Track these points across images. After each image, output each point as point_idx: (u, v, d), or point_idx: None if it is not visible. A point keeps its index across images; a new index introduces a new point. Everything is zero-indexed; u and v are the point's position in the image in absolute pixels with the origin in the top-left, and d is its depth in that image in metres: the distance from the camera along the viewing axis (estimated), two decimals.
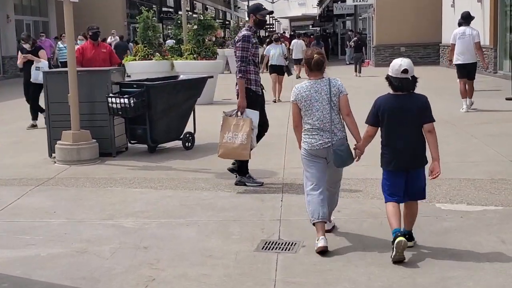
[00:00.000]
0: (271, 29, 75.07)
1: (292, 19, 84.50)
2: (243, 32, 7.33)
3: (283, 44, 16.99)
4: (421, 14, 29.27)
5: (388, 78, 4.92)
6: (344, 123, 5.32)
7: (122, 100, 8.76)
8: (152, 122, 9.07)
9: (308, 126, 5.27)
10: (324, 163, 5.27)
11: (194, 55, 16.58)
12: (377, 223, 5.75)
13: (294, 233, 5.66)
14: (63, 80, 8.83)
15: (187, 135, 9.61)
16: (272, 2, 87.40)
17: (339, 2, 42.26)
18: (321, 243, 5.08)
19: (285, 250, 5.27)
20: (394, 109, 4.86)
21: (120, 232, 5.85)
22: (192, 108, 9.78)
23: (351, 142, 5.35)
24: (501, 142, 9.21)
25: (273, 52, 16.44)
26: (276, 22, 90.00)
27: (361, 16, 40.36)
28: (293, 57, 23.63)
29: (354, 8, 38.85)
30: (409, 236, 5.02)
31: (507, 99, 14.23)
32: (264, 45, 27.01)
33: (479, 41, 13.06)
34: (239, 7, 74.30)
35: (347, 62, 33.86)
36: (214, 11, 60.44)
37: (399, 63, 4.84)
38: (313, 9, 79.98)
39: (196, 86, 9.69)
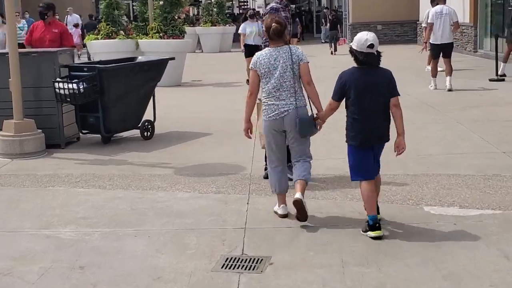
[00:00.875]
0: (245, 6, 73.73)
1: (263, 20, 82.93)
2: (272, 4, 6.49)
3: (259, 21, 14.98)
4: None
5: (353, 52, 4.81)
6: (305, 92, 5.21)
7: (70, 86, 7.80)
8: (106, 110, 8.12)
9: (266, 94, 5.16)
10: (282, 136, 5.21)
11: (161, 34, 15.57)
12: (357, 233, 4.91)
13: (260, 245, 4.80)
14: (3, 63, 7.83)
15: (146, 124, 8.68)
16: None
17: None
18: (280, 211, 5.32)
19: (249, 269, 4.40)
20: (360, 83, 4.77)
21: (55, 245, 4.94)
22: (152, 93, 8.84)
23: None
24: (488, 129, 8.42)
25: (249, 30, 14.93)
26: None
27: None
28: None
29: None
30: (378, 223, 4.85)
31: (490, 80, 13.50)
32: (238, 23, 26.06)
33: (457, 20, 12.66)
34: None
35: (323, 41, 32.98)
36: None
37: (365, 37, 4.74)
38: None
39: (156, 68, 8.75)
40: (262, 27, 13.71)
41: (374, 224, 4.75)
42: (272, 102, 5.14)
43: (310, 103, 5.30)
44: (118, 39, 15.54)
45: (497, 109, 9.96)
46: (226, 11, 38.38)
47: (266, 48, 5.28)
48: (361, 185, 4.89)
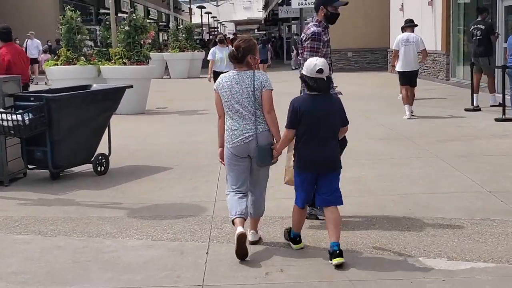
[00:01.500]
0: (215, 33, 73.45)
1: (237, 23, 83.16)
2: (312, 28, 5.77)
3: (229, 46, 13.90)
4: (369, 18, 28.21)
5: (303, 77, 4.80)
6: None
7: (14, 117, 7.03)
8: (54, 143, 7.36)
9: (228, 119, 5.02)
10: (247, 164, 5.03)
11: (124, 60, 14.87)
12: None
13: None
14: None
15: (100, 158, 7.92)
16: (217, 6, 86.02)
17: (284, 6, 40.96)
18: (238, 230, 4.80)
19: None
20: (313, 110, 4.74)
21: None
22: (107, 124, 8.10)
23: None
24: (472, 166, 7.82)
25: (219, 56, 13.92)
26: (221, 26, 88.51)
27: (306, 20, 39.19)
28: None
29: (299, 11, 37.59)
30: (339, 250, 4.67)
31: (466, 110, 13.02)
32: (208, 49, 25.46)
33: (424, 48, 12.73)
34: (182, 10, 72.23)
35: (293, 67, 32.59)
36: (156, 14, 58.44)
37: (314, 63, 4.71)
38: (259, 13, 79.00)
39: (111, 97, 8.02)
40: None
41: (295, 237, 5.06)
42: (235, 128, 4.97)
43: None
44: (79, 65, 14.80)
45: (480, 142, 9.39)
46: (196, 37, 37.94)
47: (230, 71, 5.10)
48: (294, 209, 4.98)
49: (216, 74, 13.04)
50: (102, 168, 7.92)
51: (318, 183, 4.82)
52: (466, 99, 14.82)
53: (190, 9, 41.57)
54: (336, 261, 4.57)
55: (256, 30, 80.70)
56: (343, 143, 5.63)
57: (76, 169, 8.08)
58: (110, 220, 6.01)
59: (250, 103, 4.91)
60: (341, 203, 4.87)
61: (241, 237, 4.73)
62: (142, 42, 15.55)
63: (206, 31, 70.32)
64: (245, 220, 4.95)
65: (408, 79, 12.44)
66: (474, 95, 13.26)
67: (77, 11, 15.23)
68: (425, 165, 7.96)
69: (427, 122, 11.57)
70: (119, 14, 21.74)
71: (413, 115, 12.21)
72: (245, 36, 5.21)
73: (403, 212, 5.97)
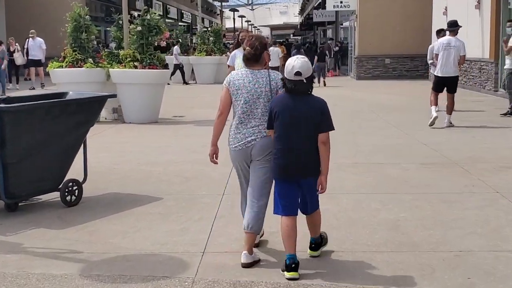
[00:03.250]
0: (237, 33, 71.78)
1: (273, 28, 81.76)
2: None
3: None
4: (409, 23, 26.32)
5: (283, 79, 4.53)
6: None
7: None
8: (8, 167, 5.80)
9: (235, 120, 4.73)
10: (248, 167, 4.76)
11: (135, 63, 13.36)
12: None
13: None
14: None
15: (70, 185, 6.34)
16: (252, 10, 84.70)
17: (320, 9, 39.27)
18: (242, 259, 4.60)
19: None
20: (287, 111, 4.44)
21: None
22: (81, 141, 6.53)
23: None
24: None
25: (240, 62, 11.66)
26: (257, 31, 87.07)
27: (342, 24, 37.49)
28: (269, 65, 20.51)
29: (335, 15, 35.89)
30: (315, 244, 4.79)
31: None
32: (228, 53, 23.84)
33: (464, 54, 11.76)
34: (216, 13, 70.74)
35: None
36: (190, 16, 57.12)
37: (292, 64, 4.42)
38: (295, 18, 77.59)
39: (87, 109, 6.44)
40: None
41: (290, 264, 4.40)
42: (238, 130, 4.69)
43: None
44: (85, 68, 13.36)
45: None
46: (230, 41, 36.51)
47: (243, 69, 4.80)
48: (281, 220, 4.53)
49: None
50: (73, 197, 6.35)
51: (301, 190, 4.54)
52: None
53: (222, 11, 40.05)
54: (312, 253, 4.77)
55: (291, 35, 79.18)
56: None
57: (45, 196, 6.52)
58: (55, 281, 4.40)
59: (262, 105, 4.62)
60: (318, 207, 4.68)
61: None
62: (156, 44, 14.09)
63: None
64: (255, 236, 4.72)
65: (442, 85, 11.71)
66: None
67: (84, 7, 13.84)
68: (483, 203, 6.19)
69: (478, 143, 9.78)
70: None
71: (451, 124, 11.45)
72: (254, 34, 4.98)
73: (460, 284, 4.25)
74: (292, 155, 4.42)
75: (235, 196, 6.46)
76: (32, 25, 25.05)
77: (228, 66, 10.38)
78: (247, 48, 4.76)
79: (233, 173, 7.67)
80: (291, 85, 4.43)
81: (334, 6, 29.10)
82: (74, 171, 6.62)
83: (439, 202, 6.25)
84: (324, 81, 23.53)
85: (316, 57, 24.62)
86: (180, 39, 29.71)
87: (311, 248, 4.78)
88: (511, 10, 17.75)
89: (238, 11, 56.33)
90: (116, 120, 13.58)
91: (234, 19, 54.43)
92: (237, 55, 10.39)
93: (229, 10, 52.66)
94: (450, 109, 11.67)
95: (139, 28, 13.48)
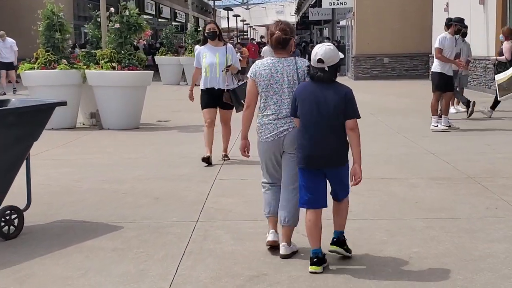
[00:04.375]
0: (244, 37, 70.73)
1: (268, 27, 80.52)
2: None
3: (228, 45, 8.28)
4: (408, 20, 25.25)
5: (309, 66, 4.44)
6: None
7: None
8: None
9: (262, 112, 4.62)
10: (279, 158, 4.62)
11: (113, 64, 12.23)
12: None
13: None
14: None
15: (7, 213, 5.18)
16: (247, 9, 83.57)
17: (316, 7, 38.16)
18: (269, 237, 4.68)
19: None
20: (310, 98, 4.32)
21: None
22: (22, 159, 5.37)
23: None
24: None
25: (209, 62, 8.05)
26: (252, 30, 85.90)
27: (339, 23, 36.43)
28: None
29: (331, 13, 34.76)
30: (337, 240, 4.48)
31: None
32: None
33: (436, 47, 10.88)
34: (210, 12, 69.46)
35: None
36: (184, 16, 55.91)
37: (316, 51, 4.30)
38: (291, 17, 76.74)
39: (31, 119, 5.29)
40: (236, 54, 8.57)
41: (313, 257, 4.28)
42: (269, 121, 4.58)
43: None
44: (59, 69, 12.22)
45: None
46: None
47: (268, 57, 4.66)
48: (306, 214, 4.38)
49: (203, 93, 8.19)
50: (11, 228, 5.19)
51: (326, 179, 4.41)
52: None
53: (214, 10, 38.88)
54: (331, 247, 4.48)
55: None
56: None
57: None
58: None
59: (290, 94, 4.52)
60: (347, 194, 4.49)
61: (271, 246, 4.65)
62: (135, 43, 12.96)
63: (235, 35, 67.66)
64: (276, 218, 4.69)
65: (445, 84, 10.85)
66: None
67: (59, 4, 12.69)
68: (505, 227, 5.06)
69: (493, 152, 8.66)
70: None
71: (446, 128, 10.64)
72: (281, 20, 4.76)
73: None
74: (316, 144, 4.30)
75: (210, 224, 5.40)
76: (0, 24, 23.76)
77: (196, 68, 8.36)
78: (277, 32, 4.56)
79: (213, 192, 6.63)
80: (314, 72, 4.33)
81: (330, 4, 28.09)
82: (17, 195, 5.48)
83: (458, 231, 5.11)
84: None
85: (307, 56, 23.59)
86: (163, 40, 28.55)
87: (332, 243, 4.47)
88: None
89: (232, 10, 55.09)
90: (94, 126, 12.47)
91: (228, 18, 53.25)
92: (203, 53, 8.18)
93: (223, 9, 51.44)
94: (446, 110, 10.93)
95: (117, 25, 12.36)
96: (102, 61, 12.34)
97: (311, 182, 4.33)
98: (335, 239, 4.47)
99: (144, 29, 12.90)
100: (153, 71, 13.26)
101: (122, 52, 12.32)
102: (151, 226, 5.45)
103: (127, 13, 12.48)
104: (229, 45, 8.40)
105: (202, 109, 8.25)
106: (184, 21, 55.28)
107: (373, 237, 5.04)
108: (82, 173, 7.66)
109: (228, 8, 51.60)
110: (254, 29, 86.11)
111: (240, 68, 8.71)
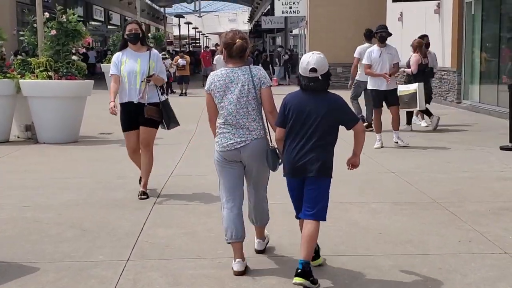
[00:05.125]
0: (196, 44, 69.83)
1: (221, 36, 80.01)
2: None
3: (153, 51, 6.79)
4: (362, 29, 24.42)
5: (298, 76, 4.34)
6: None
7: None
8: None
9: (220, 121, 4.53)
10: (239, 168, 4.53)
11: (50, 73, 11.30)
12: None
13: None
14: None
15: None
16: (200, 17, 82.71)
17: (269, 16, 37.63)
18: (235, 267, 4.41)
19: None
20: (301, 107, 4.23)
21: None
22: None
23: None
24: None
25: (128, 69, 6.60)
26: (205, 38, 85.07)
27: (292, 32, 35.99)
28: None
29: (284, 21, 34.29)
30: (303, 271, 4.05)
31: (503, 148, 9.57)
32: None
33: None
34: (161, 19, 68.33)
35: (276, 84, 29.25)
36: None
37: (307, 60, 4.22)
38: (244, 25, 76.43)
39: None
40: (162, 62, 7.47)
41: (297, 269, 4.10)
42: (228, 130, 4.47)
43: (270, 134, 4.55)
44: None
45: None
46: (174, 48, 34.58)
47: (222, 68, 4.54)
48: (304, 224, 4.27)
49: (122, 109, 6.79)
50: None
51: (304, 191, 4.25)
52: (494, 129, 11.66)
53: (165, 17, 37.94)
54: (295, 279, 4.02)
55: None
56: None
57: None
58: None
59: (248, 103, 4.43)
60: (323, 219, 4.23)
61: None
62: (74, 50, 12.02)
63: (187, 42, 66.67)
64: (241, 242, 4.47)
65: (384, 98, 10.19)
66: None
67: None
68: (491, 273, 4.35)
69: (456, 171, 8.05)
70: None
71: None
72: (235, 29, 4.66)
73: None
74: (304, 153, 4.20)
75: (143, 264, 4.60)
76: None
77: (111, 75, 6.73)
78: (238, 40, 4.44)
79: (149, 222, 5.83)
80: (306, 82, 4.23)
81: (283, 12, 27.48)
82: None
83: (430, 272, 4.42)
84: None
85: (260, 65, 23.00)
86: (111, 47, 27.55)
87: (298, 274, 4.06)
88: (474, 15, 16.31)
89: (184, 17, 54.16)
90: (29, 140, 11.52)
91: (179, 25, 52.30)
92: (122, 59, 6.64)
93: (174, 16, 50.46)
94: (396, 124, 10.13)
95: (53, 32, 11.42)
96: (38, 70, 11.41)
97: (297, 190, 4.30)
98: (299, 270, 4.07)
99: (83, 36, 12.00)
100: (93, 81, 12.35)
101: (60, 60, 11.41)
102: (72, 267, 4.60)
103: (64, 18, 11.58)
104: (154, 51, 6.81)
105: (123, 130, 6.89)
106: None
107: (335, 279, 4.31)
108: (3, 198, 6.75)
109: (179, 16, 50.61)
110: (206, 36, 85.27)
111: (166, 80, 7.32)
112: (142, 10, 55.32)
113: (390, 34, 10.48)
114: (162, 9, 54.19)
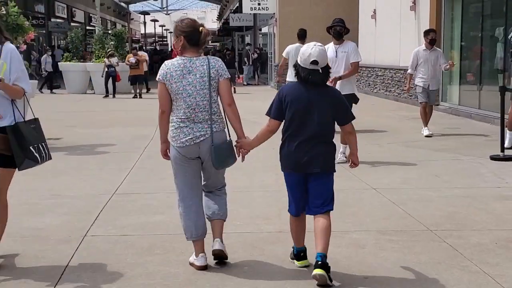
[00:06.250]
0: (164, 42, 68.33)
1: (182, 23, 79.00)
2: None
3: (7, 45, 4.34)
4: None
5: (296, 66, 4.19)
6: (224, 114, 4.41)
7: None
8: None
9: (176, 115, 4.28)
10: (196, 165, 4.36)
11: None
12: None
13: None
14: None
15: None
16: (168, 14, 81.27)
17: (237, 13, 36.48)
18: (197, 262, 4.33)
19: None
20: (302, 100, 4.14)
21: None
22: None
23: None
24: None
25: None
26: (172, 36, 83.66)
27: (261, 30, 34.92)
28: None
29: (253, 19, 33.16)
30: (322, 264, 3.98)
31: (494, 158, 8.56)
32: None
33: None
34: (130, 17, 66.52)
35: (244, 83, 28.21)
36: (100, 21, 53.06)
37: (309, 52, 4.10)
38: (213, 24, 75.39)
39: None
40: (20, 64, 5.07)
41: (298, 253, 4.38)
42: (186, 125, 4.25)
43: (228, 127, 4.42)
44: None
45: None
46: (136, 45, 33.25)
47: (178, 57, 4.29)
48: (290, 218, 4.38)
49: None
50: None
51: (308, 187, 4.18)
52: (478, 135, 10.77)
53: (128, 13, 36.49)
54: (316, 271, 3.94)
55: (209, 41, 76.88)
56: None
57: None
58: None
59: (203, 96, 4.24)
60: (332, 208, 4.23)
61: (218, 255, 4.37)
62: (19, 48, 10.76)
63: (155, 40, 65.17)
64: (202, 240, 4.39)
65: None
66: (508, 133, 8.92)
67: None
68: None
69: (447, 187, 6.99)
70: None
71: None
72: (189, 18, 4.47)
73: None
74: (309, 148, 4.12)
75: None
76: None
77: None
78: (202, 28, 4.30)
79: (75, 259, 4.62)
80: (305, 74, 4.11)
81: (251, 9, 26.33)
82: None
83: None
84: (234, 88, 20.68)
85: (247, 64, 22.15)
86: (69, 45, 26.22)
87: (318, 266, 3.96)
88: (453, 13, 15.37)
89: (149, 14, 52.68)
90: None
91: (145, 23, 50.85)
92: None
93: (140, 14, 49.01)
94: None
95: None
96: None
97: (296, 185, 4.23)
98: (319, 262, 3.98)
99: (26, 31, 10.77)
100: (37, 81, 11.12)
101: None
102: None
103: (4, 11, 10.32)
104: (8, 45, 4.37)
105: None
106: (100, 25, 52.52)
107: None
108: None
109: (144, 13, 49.09)
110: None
111: (27, 90, 4.52)
112: (102, 4, 53.67)
113: (347, 29, 8.76)
114: (125, 6, 52.78)
